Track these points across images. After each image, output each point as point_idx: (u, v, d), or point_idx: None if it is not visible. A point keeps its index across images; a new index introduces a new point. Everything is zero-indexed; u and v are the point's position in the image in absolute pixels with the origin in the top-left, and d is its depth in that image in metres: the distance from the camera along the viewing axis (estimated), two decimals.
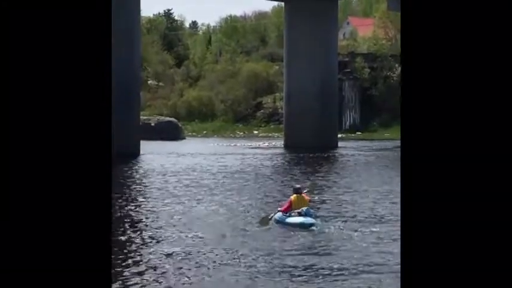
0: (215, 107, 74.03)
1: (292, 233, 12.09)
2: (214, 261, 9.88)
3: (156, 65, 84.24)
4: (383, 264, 9.64)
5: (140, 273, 9.21)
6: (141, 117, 40.46)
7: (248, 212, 14.75)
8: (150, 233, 12.34)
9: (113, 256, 9.35)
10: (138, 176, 24.26)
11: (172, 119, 61.53)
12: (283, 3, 48.96)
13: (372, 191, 18.93)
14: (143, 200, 17.47)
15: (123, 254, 10.33)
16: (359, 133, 63.08)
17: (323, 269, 9.41)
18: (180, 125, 60.65)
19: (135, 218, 14.28)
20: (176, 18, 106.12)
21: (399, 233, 4.74)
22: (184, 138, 58.03)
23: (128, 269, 9.39)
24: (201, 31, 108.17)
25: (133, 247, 11.07)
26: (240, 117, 72.06)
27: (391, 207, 15.04)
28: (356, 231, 12.25)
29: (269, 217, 13.40)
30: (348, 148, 42.61)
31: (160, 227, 12.91)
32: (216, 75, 78.45)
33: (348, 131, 62.91)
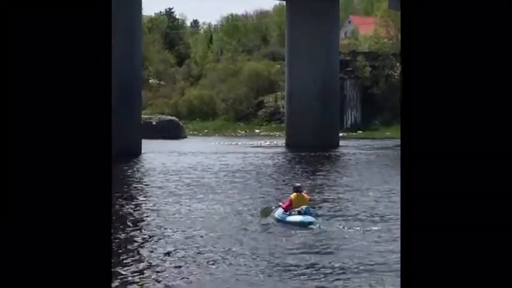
0: (216, 106, 74.01)
1: (293, 231, 12.10)
2: (215, 260, 9.88)
3: (157, 63, 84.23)
4: (384, 263, 9.64)
5: (138, 272, 9.20)
6: (142, 116, 40.45)
7: (249, 210, 14.75)
8: (150, 232, 12.35)
9: (113, 255, 9.36)
10: (139, 175, 24.26)
11: (173, 117, 61.51)
12: (284, 2, 48.94)
13: (373, 189, 18.93)
14: (144, 198, 17.47)
15: (123, 253, 10.33)
16: (360, 132, 63.05)
17: (324, 267, 9.41)
18: (181, 124, 60.63)
19: (136, 216, 14.28)
20: (177, 17, 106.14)
21: (399, 232, 4.74)
22: (185, 137, 58.02)
23: (126, 268, 9.39)
24: (202, 30, 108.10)
25: (133, 245, 11.07)
26: (241, 116, 72.04)
27: (392, 206, 15.04)
28: (357, 229, 12.25)
29: (271, 209, 13.61)
30: (349, 147, 42.60)
31: (161, 226, 12.92)
32: (218, 74, 78.42)
33: (350, 130, 62.87)
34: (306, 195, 13.53)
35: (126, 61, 33.67)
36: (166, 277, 9.01)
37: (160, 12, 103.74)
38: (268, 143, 49.38)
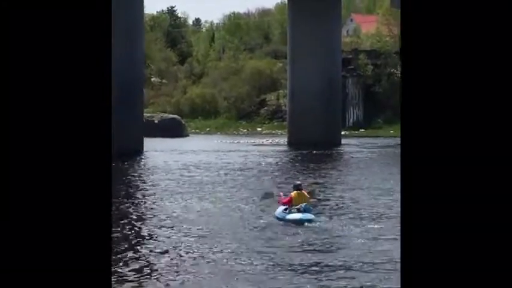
0: (218, 104, 74.03)
1: (294, 230, 12.09)
2: (214, 259, 9.88)
3: (159, 62, 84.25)
4: (384, 262, 9.63)
5: (136, 270, 9.20)
6: (144, 114, 40.47)
7: (250, 209, 14.76)
8: (149, 230, 12.35)
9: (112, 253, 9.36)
10: (141, 173, 24.27)
11: (175, 116, 61.54)
12: (286, 0, 48.93)
13: (374, 188, 18.92)
14: (144, 197, 17.47)
15: (120, 251, 10.32)
16: (362, 130, 63.02)
17: (326, 266, 9.40)
18: (183, 122, 60.66)
19: (135, 214, 14.28)
20: (179, 15, 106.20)
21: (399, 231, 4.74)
22: (187, 135, 58.04)
23: (124, 266, 9.38)
24: (204, 28, 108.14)
25: (131, 243, 11.07)
26: (243, 114, 72.05)
27: (393, 205, 15.02)
28: (358, 228, 12.25)
29: (272, 194, 14.27)
30: (351, 145, 42.59)
31: (160, 224, 12.92)
32: (219, 73, 78.42)
33: (352, 128, 62.84)
34: (306, 193, 13.56)
35: (128, 60, 33.69)
36: (165, 276, 9.00)
37: (162, 10, 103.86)
38: (270, 141, 49.38)
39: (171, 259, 9.94)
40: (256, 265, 9.48)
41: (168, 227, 12.56)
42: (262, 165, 27.38)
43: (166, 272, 9.15)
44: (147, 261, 9.77)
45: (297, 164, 28.55)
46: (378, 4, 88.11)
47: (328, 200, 16.46)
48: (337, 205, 15.56)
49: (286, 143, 45.27)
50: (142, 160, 30.33)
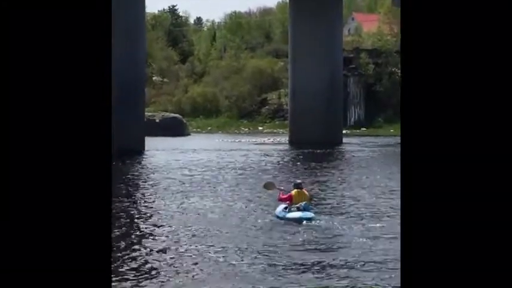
0: (220, 103, 74.08)
1: (293, 229, 12.09)
2: (214, 257, 9.88)
3: (160, 61, 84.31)
4: (386, 261, 9.63)
5: (135, 269, 9.19)
6: (145, 113, 40.50)
7: (250, 208, 14.77)
8: (148, 229, 12.35)
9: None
10: (142, 172, 24.28)
11: (177, 115, 61.62)
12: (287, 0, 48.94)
13: (375, 186, 18.93)
14: (144, 195, 17.47)
15: (119, 250, 10.31)
16: (364, 129, 63.05)
17: (326, 264, 9.40)
18: (184, 121, 60.72)
19: (135, 213, 14.29)
20: (181, 14, 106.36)
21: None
22: (189, 134, 58.09)
23: (122, 265, 9.39)
24: (205, 27, 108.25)
25: (131, 242, 11.06)
26: (244, 113, 72.10)
27: (393, 204, 15.03)
28: (359, 226, 12.25)
29: (273, 184, 14.56)
30: (353, 144, 42.61)
31: (160, 223, 12.92)
32: (221, 72, 78.48)
33: (353, 127, 62.89)
34: (306, 192, 13.58)
35: (129, 59, 33.72)
36: (163, 274, 8.99)
37: (164, 9, 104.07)
38: (271, 140, 49.39)
39: (170, 258, 9.93)
40: (257, 264, 9.48)
41: (168, 226, 12.57)
42: (264, 164, 27.38)
43: (165, 271, 9.14)
44: (146, 260, 9.77)
45: (298, 163, 28.55)
46: (379, 3, 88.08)
47: (329, 198, 16.46)
48: (338, 204, 15.57)
49: (287, 141, 45.28)
50: (144, 159, 30.35)
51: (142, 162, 29.01)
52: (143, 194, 17.86)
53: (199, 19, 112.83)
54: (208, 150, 35.52)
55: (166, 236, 11.62)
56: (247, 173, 23.17)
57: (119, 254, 9.96)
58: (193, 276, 8.89)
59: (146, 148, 35.02)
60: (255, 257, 9.87)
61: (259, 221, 13.01)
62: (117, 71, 30.19)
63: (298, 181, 14.11)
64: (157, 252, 10.36)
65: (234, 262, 9.62)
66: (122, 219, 13.24)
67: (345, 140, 45.07)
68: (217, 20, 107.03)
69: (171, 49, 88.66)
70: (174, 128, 55.90)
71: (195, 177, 21.57)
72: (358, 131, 61.68)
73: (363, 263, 9.52)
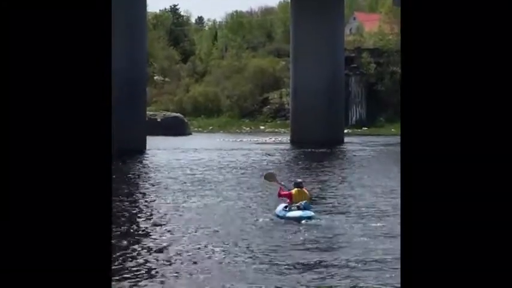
0: (221, 103, 74.09)
1: (294, 228, 12.09)
2: (213, 256, 9.88)
3: (162, 60, 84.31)
4: (386, 260, 9.63)
5: (134, 268, 9.19)
6: (147, 112, 40.51)
7: (250, 207, 14.78)
8: (149, 228, 12.35)
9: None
10: (143, 172, 24.29)
11: (178, 114, 61.64)
12: None
13: (376, 186, 18.93)
14: (145, 195, 17.48)
15: (117, 249, 10.31)
16: (365, 128, 63.05)
17: (326, 264, 9.39)
18: (186, 121, 60.73)
19: (135, 212, 14.29)
20: (182, 13, 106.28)
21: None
22: (190, 133, 58.11)
23: (122, 264, 9.39)
24: (207, 26, 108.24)
25: (130, 241, 11.06)
26: (246, 112, 72.11)
27: (395, 203, 15.02)
28: (360, 226, 12.25)
29: (274, 175, 14.70)
30: (354, 143, 42.61)
31: (160, 222, 12.93)
32: (222, 71, 78.49)
33: (354, 127, 62.88)
34: (306, 191, 13.59)
35: (130, 58, 33.75)
36: (162, 274, 8.99)
37: (165, 8, 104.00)
38: (273, 139, 49.40)
39: (171, 257, 9.93)
40: (257, 264, 9.47)
41: (169, 225, 12.57)
42: (265, 164, 27.38)
43: (165, 271, 9.15)
44: (146, 260, 9.76)
45: (299, 162, 28.55)
46: (380, 2, 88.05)
47: (330, 198, 16.46)
48: (339, 203, 15.57)
49: (289, 141, 45.28)
50: (145, 158, 30.36)
51: (144, 161, 29.02)
52: (144, 193, 17.87)
53: (200, 18, 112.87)
54: (210, 150, 35.53)
55: (167, 235, 11.62)
56: (248, 173, 23.17)
57: (119, 254, 9.96)
58: (193, 276, 8.89)
59: (147, 147, 35.04)
60: (256, 257, 9.87)
61: (260, 220, 13.01)
62: (118, 71, 30.26)
63: (299, 180, 14.12)
64: (157, 251, 10.36)
65: (234, 261, 9.61)
66: (122, 219, 13.24)
67: (346, 139, 45.07)
68: (218, 20, 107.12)
69: (172, 48, 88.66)
70: (175, 128, 55.91)
71: (196, 177, 21.58)
72: (359, 130, 61.67)
73: (363, 262, 9.51)
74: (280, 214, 13.16)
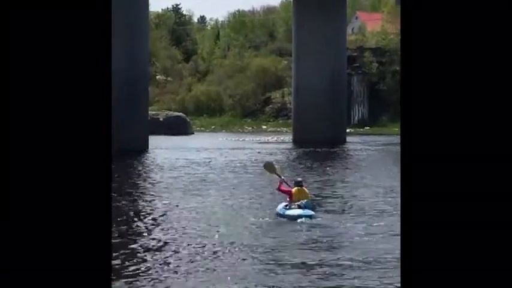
0: (223, 102, 74.13)
1: (294, 227, 12.10)
2: (213, 256, 9.88)
3: (164, 60, 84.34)
4: (387, 260, 9.63)
5: (132, 267, 9.19)
6: (149, 112, 40.54)
7: (250, 206, 14.80)
8: (148, 228, 12.36)
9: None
10: (145, 171, 24.31)
11: (180, 114, 61.67)
12: None
13: (378, 185, 18.93)
14: (146, 195, 17.50)
15: (116, 248, 10.32)
16: (367, 128, 63.03)
17: (327, 263, 9.39)
18: (188, 120, 60.76)
19: (136, 212, 14.30)
20: (184, 13, 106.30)
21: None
22: (192, 133, 58.14)
23: (121, 263, 9.39)
24: (209, 26, 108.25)
25: (130, 240, 11.07)
26: (248, 112, 72.14)
27: (396, 202, 15.02)
28: (361, 225, 12.25)
29: (274, 165, 15.04)
30: (356, 143, 42.61)
31: (160, 222, 12.95)
32: (225, 70, 78.51)
33: (357, 126, 62.89)
34: (306, 190, 13.63)
35: (132, 58, 33.77)
36: (161, 273, 8.99)
37: (167, 8, 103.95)
38: (275, 139, 49.40)
39: (171, 256, 9.94)
40: (257, 263, 9.48)
41: (169, 224, 12.58)
42: None
43: (165, 270, 9.15)
44: (145, 259, 9.77)
45: (301, 162, 28.54)
46: (382, 2, 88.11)
47: (331, 197, 16.47)
48: (340, 202, 15.58)
49: (291, 140, 45.27)
50: (147, 158, 30.38)
51: (146, 160, 29.04)
52: (145, 193, 17.89)
53: (202, 18, 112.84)
54: (212, 149, 35.55)
55: (167, 235, 11.63)
56: (250, 172, 23.18)
57: (119, 253, 9.96)
58: (193, 276, 8.89)
59: (150, 147, 35.07)
60: (256, 256, 9.87)
61: (261, 219, 13.02)
62: (120, 70, 30.30)
63: (299, 179, 14.17)
64: (158, 250, 10.37)
65: (235, 261, 9.62)
66: (123, 218, 13.25)
67: (348, 138, 45.07)
68: (220, 19, 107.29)
69: (174, 48, 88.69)
70: (177, 127, 55.94)
71: (198, 176, 21.59)
72: (361, 129, 61.67)
73: (364, 261, 9.52)
74: (281, 212, 13.19)
